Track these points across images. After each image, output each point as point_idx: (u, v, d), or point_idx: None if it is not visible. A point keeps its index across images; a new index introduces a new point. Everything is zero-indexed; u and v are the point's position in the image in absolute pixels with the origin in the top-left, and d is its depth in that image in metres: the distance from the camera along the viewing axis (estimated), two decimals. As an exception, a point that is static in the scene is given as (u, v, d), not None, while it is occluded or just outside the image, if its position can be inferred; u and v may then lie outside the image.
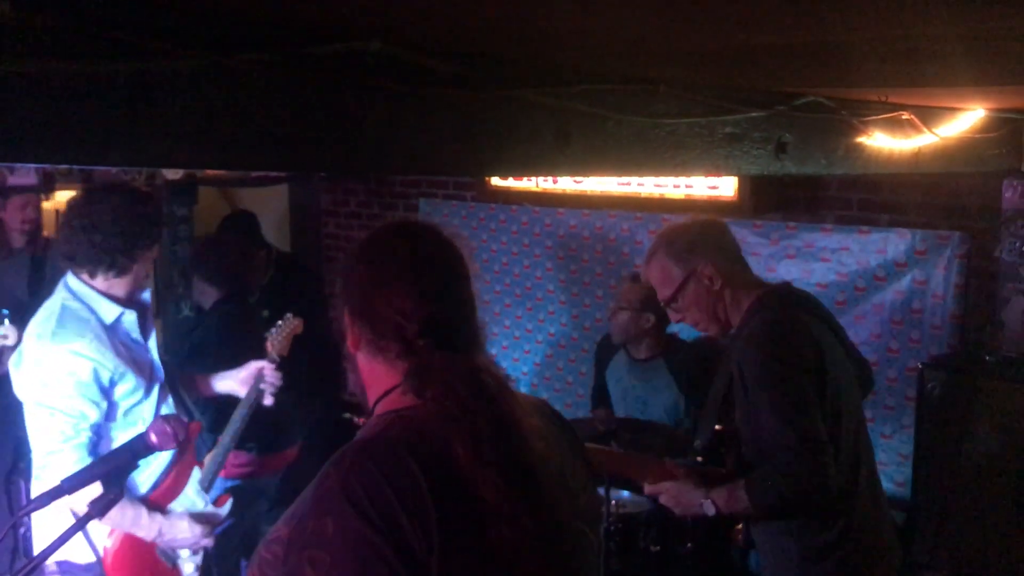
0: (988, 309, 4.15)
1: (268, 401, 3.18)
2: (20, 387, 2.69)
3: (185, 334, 4.17)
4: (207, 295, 4.15)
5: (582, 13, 1.46)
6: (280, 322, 3.37)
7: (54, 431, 2.56)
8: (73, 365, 2.58)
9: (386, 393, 1.51)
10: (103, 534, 2.74)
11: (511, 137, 1.80)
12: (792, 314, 2.45)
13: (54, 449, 2.55)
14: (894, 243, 4.35)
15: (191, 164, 1.34)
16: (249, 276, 4.50)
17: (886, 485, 4.39)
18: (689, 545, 3.83)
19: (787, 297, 2.54)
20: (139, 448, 1.90)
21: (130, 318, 2.76)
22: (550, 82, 1.84)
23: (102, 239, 2.65)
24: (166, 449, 1.93)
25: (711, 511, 2.46)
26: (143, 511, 2.72)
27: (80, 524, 1.75)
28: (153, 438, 1.89)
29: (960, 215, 4.23)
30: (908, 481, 4.18)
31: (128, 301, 2.78)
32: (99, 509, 1.80)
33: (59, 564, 2.73)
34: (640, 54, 1.85)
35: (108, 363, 2.63)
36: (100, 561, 2.72)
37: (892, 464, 4.40)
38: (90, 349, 2.61)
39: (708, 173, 2.39)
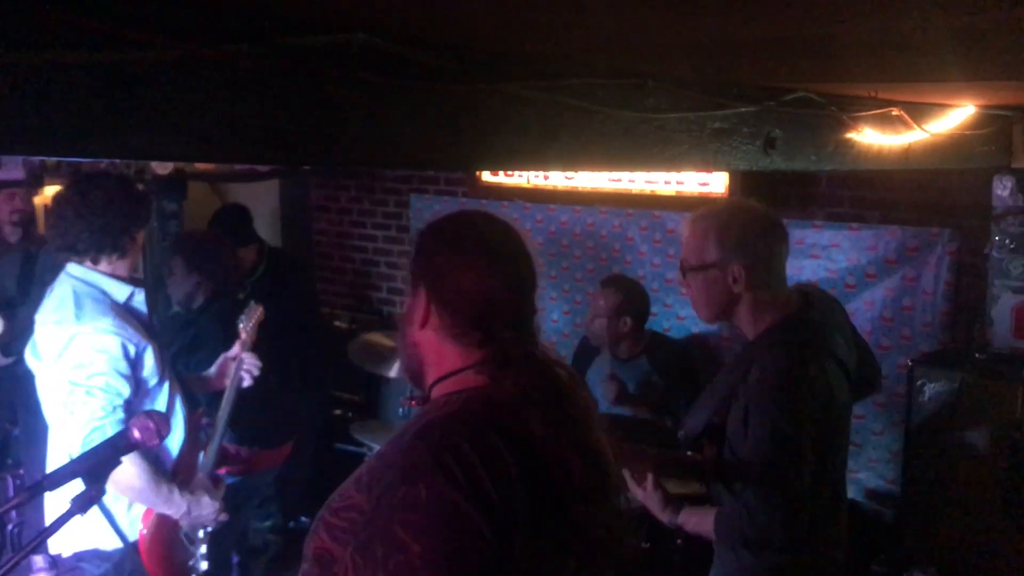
0: (978, 306, 4.16)
1: (247, 382, 3.28)
2: (47, 377, 2.76)
3: (177, 331, 4.13)
4: (200, 288, 4.10)
5: (570, 6, 1.45)
6: (246, 311, 3.43)
7: (95, 409, 2.63)
8: (103, 342, 2.66)
9: (454, 372, 1.56)
10: (137, 518, 2.84)
11: (498, 131, 1.78)
12: (809, 360, 2.39)
13: (98, 426, 2.60)
14: (885, 240, 4.34)
15: (172, 156, 1.33)
16: (236, 271, 4.47)
17: (877, 482, 4.43)
18: (679, 541, 3.84)
19: (806, 329, 2.45)
20: (121, 444, 1.89)
21: (140, 297, 2.86)
22: (537, 76, 1.82)
23: (103, 223, 2.73)
24: (149, 445, 1.92)
25: (677, 529, 2.58)
26: (175, 488, 2.82)
27: (62, 521, 1.73)
28: (136, 434, 1.88)
29: (950, 212, 4.23)
30: (898, 478, 4.19)
31: (133, 281, 2.87)
32: (81, 505, 1.78)
33: (80, 554, 2.80)
34: (628, 48, 1.84)
35: (132, 337, 2.72)
36: (129, 546, 2.80)
37: (882, 461, 4.41)
38: (114, 325, 2.69)
39: (697, 168, 2.38)
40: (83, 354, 2.64)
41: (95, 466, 1.78)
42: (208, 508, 2.91)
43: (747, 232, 2.42)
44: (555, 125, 1.87)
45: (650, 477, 2.58)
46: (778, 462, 2.31)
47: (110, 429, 2.59)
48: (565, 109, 1.88)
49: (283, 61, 1.40)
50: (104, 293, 2.76)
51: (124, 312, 2.77)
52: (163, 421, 1.91)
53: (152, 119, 1.30)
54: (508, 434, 1.42)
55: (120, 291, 2.80)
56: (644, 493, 2.60)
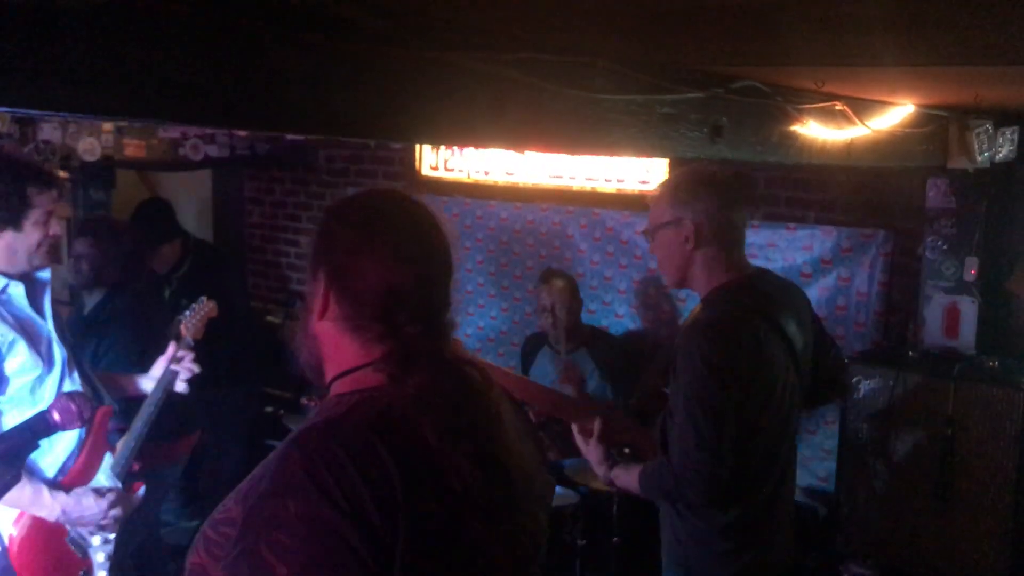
0: (911, 306, 4.22)
1: (181, 388, 3.07)
2: None
3: (92, 321, 3.94)
4: (102, 273, 3.89)
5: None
6: (194, 305, 3.25)
7: None
8: None
9: (352, 370, 1.41)
10: (8, 521, 2.60)
11: (443, 102, 1.71)
12: (742, 317, 2.36)
13: None
14: (820, 240, 4.39)
15: (93, 111, 1.23)
16: (142, 263, 4.31)
17: (809, 480, 4.47)
18: (616, 539, 3.82)
19: (749, 292, 2.43)
20: (40, 427, 1.78)
21: (17, 290, 2.66)
22: (486, 47, 1.76)
23: None
24: (70, 428, 1.81)
25: (610, 486, 2.66)
26: (43, 489, 2.59)
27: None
28: (56, 416, 1.77)
29: (885, 214, 4.29)
30: (831, 475, 4.23)
31: (17, 274, 2.67)
32: (-7, 491, 1.67)
33: None
34: (578, 22, 1.79)
35: None
36: (5, 551, 2.58)
37: (815, 459, 4.45)
38: None
39: (644, 154, 2.34)
40: None
41: (11, 449, 1.67)
42: (91, 509, 2.66)
43: (698, 190, 2.42)
44: (503, 100, 1.81)
45: (596, 431, 2.59)
46: (696, 410, 2.27)
47: None
48: (513, 84, 1.82)
49: (220, 14, 1.32)
50: None
51: None
52: (86, 403, 1.80)
53: (74, 68, 1.20)
54: (395, 443, 1.27)
55: None
56: (587, 447, 2.62)
